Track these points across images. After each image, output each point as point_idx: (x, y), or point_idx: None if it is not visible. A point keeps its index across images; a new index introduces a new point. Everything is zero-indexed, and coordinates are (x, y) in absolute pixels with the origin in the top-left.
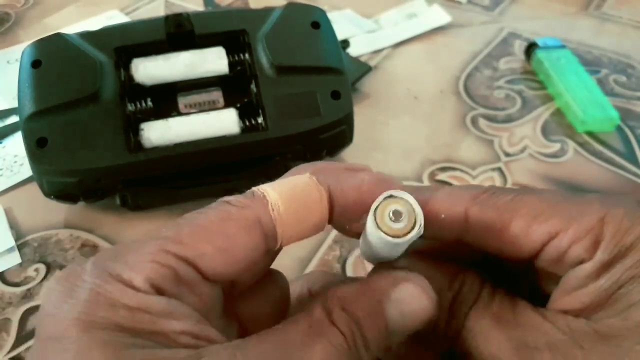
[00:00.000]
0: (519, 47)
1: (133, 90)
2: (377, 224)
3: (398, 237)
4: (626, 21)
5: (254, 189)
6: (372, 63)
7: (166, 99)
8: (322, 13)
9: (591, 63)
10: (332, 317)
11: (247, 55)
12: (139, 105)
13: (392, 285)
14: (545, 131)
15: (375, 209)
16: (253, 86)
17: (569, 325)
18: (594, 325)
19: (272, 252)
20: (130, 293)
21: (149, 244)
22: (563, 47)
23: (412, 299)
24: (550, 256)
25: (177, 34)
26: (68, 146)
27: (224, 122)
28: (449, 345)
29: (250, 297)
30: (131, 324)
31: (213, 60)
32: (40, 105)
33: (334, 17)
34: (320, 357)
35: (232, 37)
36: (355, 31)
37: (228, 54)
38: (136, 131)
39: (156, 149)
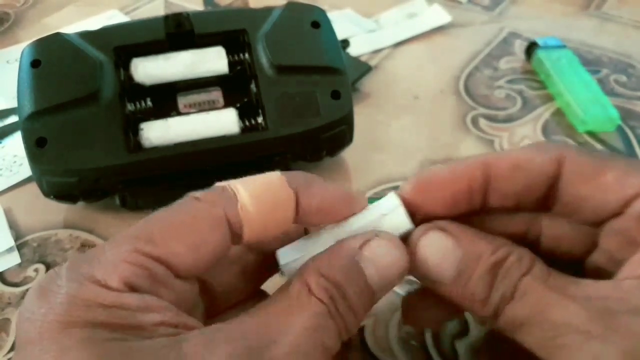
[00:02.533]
0: (519, 46)
1: (133, 90)
2: None
3: None
4: (627, 21)
5: (224, 184)
6: (372, 63)
7: (166, 99)
8: (322, 13)
9: (592, 63)
10: (311, 288)
11: (247, 55)
12: (138, 105)
13: (362, 244)
14: (546, 131)
15: None
16: (253, 86)
17: None
18: None
19: (258, 275)
20: (105, 293)
21: (120, 245)
22: (563, 46)
23: (383, 252)
24: (636, 210)
25: (177, 33)
26: (67, 146)
27: (223, 122)
28: (492, 312)
29: (233, 315)
30: (108, 320)
31: (213, 60)
32: (40, 105)
33: (334, 16)
34: (300, 327)
35: (232, 36)
36: (355, 31)
37: (228, 53)
38: (136, 131)
39: (156, 148)
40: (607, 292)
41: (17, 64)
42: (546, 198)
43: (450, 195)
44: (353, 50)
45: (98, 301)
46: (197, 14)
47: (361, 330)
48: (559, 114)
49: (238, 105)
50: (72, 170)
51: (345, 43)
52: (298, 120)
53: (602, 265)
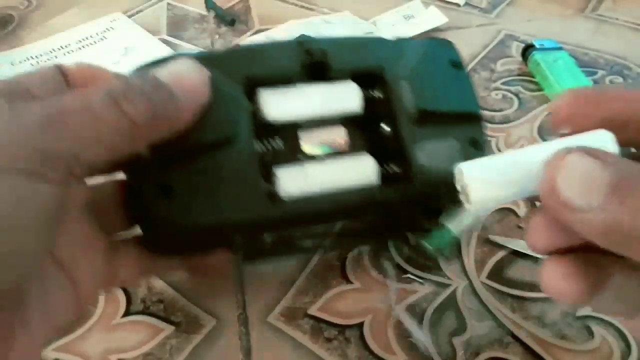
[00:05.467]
0: (516, 48)
1: (264, 127)
2: None
3: None
4: (622, 23)
5: None
6: None
7: (289, 139)
8: (456, 49)
9: (588, 64)
10: None
11: (382, 94)
12: (269, 146)
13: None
14: (542, 132)
15: None
16: (391, 129)
17: None
18: None
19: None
20: None
21: None
22: (560, 48)
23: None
24: None
25: (310, 64)
26: (197, 196)
27: (361, 170)
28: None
29: None
30: None
31: (346, 98)
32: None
33: (332, 20)
34: None
35: (367, 72)
36: (353, 34)
37: (362, 90)
38: (269, 177)
39: (295, 201)
40: None
41: (21, 66)
42: None
43: (602, 118)
44: None
45: None
46: (329, 42)
47: (360, 326)
48: None
49: (370, 150)
50: (202, 226)
51: None
52: (440, 172)
53: None
